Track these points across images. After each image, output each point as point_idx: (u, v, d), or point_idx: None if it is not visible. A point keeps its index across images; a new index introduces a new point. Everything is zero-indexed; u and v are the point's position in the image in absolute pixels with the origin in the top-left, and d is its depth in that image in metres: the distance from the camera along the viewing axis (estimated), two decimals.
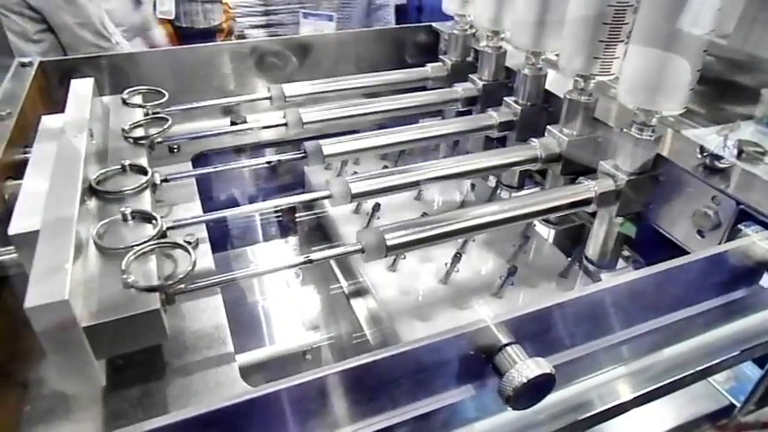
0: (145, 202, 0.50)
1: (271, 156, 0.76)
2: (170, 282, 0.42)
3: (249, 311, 0.92)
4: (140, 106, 0.66)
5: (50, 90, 0.76)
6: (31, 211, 0.43)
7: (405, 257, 0.65)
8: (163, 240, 0.46)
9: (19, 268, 0.45)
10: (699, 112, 0.64)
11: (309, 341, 0.81)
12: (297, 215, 0.87)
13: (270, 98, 0.73)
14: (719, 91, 0.65)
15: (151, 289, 0.41)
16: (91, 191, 0.50)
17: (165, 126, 0.62)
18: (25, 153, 0.58)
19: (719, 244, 0.52)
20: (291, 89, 0.73)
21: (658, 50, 0.49)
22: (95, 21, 1.84)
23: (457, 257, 0.62)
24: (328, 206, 0.75)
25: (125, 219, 0.47)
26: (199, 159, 0.78)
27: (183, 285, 0.42)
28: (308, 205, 0.79)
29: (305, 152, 0.61)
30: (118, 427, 0.42)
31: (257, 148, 0.87)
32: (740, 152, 0.53)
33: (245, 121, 0.84)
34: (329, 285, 0.73)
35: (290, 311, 0.90)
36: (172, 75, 0.81)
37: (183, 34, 2.33)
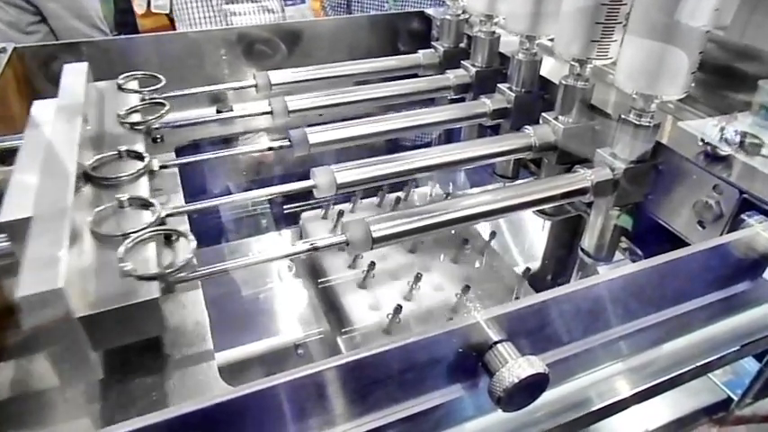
0: (142, 188, 0.49)
1: (259, 145, 0.74)
2: (170, 270, 0.40)
3: (239, 306, 0.90)
4: (136, 92, 0.64)
5: (27, 77, 0.73)
6: (23, 198, 0.41)
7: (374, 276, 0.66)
8: (160, 228, 0.44)
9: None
10: (699, 99, 0.62)
11: (300, 336, 0.80)
12: (285, 207, 0.85)
13: (255, 86, 0.70)
14: (718, 82, 0.64)
15: (150, 277, 0.39)
16: (86, 177, 0.48)
17: (163, 111, 0.60)
18: None
19: (721, 235, 0.50)
20: (277, 76, 0.71)
21: (658, 33, 0.46)
22: (92, 13, 1.82)
23: (418, 277, 0.63)
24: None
25: (122, 206, 0.45)
26: (183, 150, 0.76)
27: (184, 274, 0.41)
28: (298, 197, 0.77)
29: (290, 141, 0.58)
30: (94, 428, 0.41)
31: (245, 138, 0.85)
32: (742, 141, 0.51)
33: (232, 110, 0.82)
34: (317, 279, 0.71)
35: (282, 306, 0.88)
36: (157, 62, 0.79)
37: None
